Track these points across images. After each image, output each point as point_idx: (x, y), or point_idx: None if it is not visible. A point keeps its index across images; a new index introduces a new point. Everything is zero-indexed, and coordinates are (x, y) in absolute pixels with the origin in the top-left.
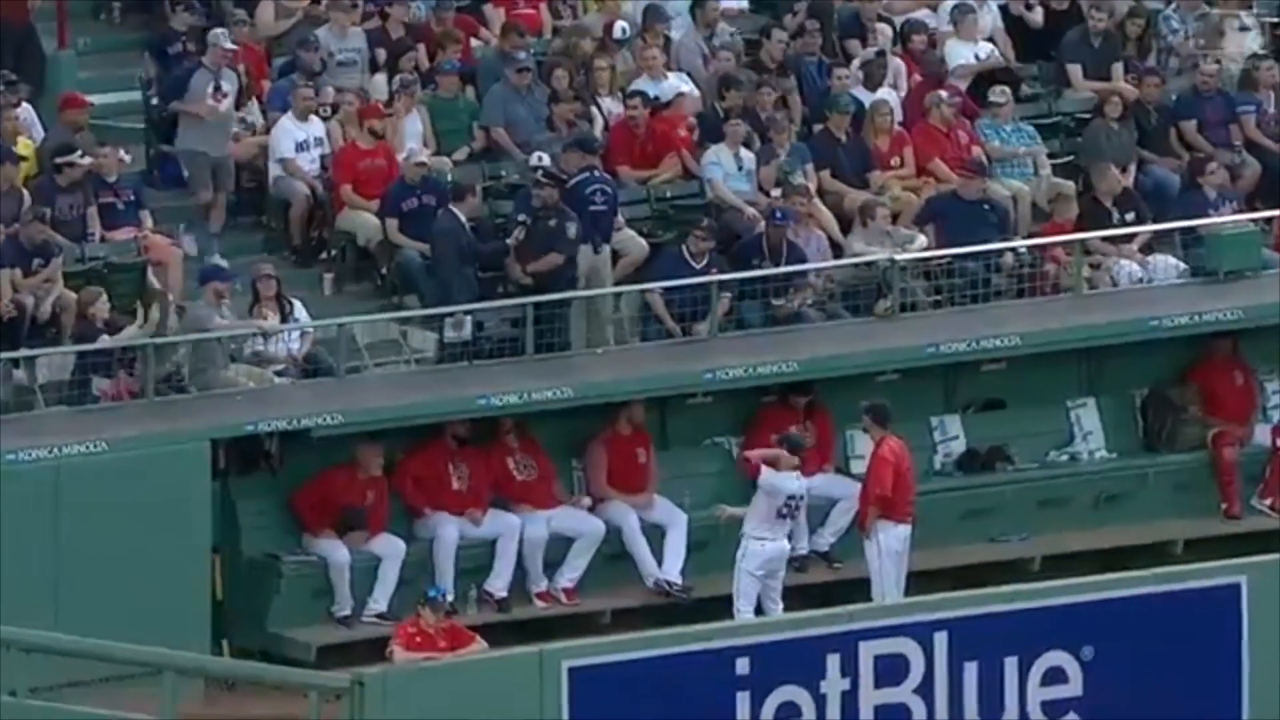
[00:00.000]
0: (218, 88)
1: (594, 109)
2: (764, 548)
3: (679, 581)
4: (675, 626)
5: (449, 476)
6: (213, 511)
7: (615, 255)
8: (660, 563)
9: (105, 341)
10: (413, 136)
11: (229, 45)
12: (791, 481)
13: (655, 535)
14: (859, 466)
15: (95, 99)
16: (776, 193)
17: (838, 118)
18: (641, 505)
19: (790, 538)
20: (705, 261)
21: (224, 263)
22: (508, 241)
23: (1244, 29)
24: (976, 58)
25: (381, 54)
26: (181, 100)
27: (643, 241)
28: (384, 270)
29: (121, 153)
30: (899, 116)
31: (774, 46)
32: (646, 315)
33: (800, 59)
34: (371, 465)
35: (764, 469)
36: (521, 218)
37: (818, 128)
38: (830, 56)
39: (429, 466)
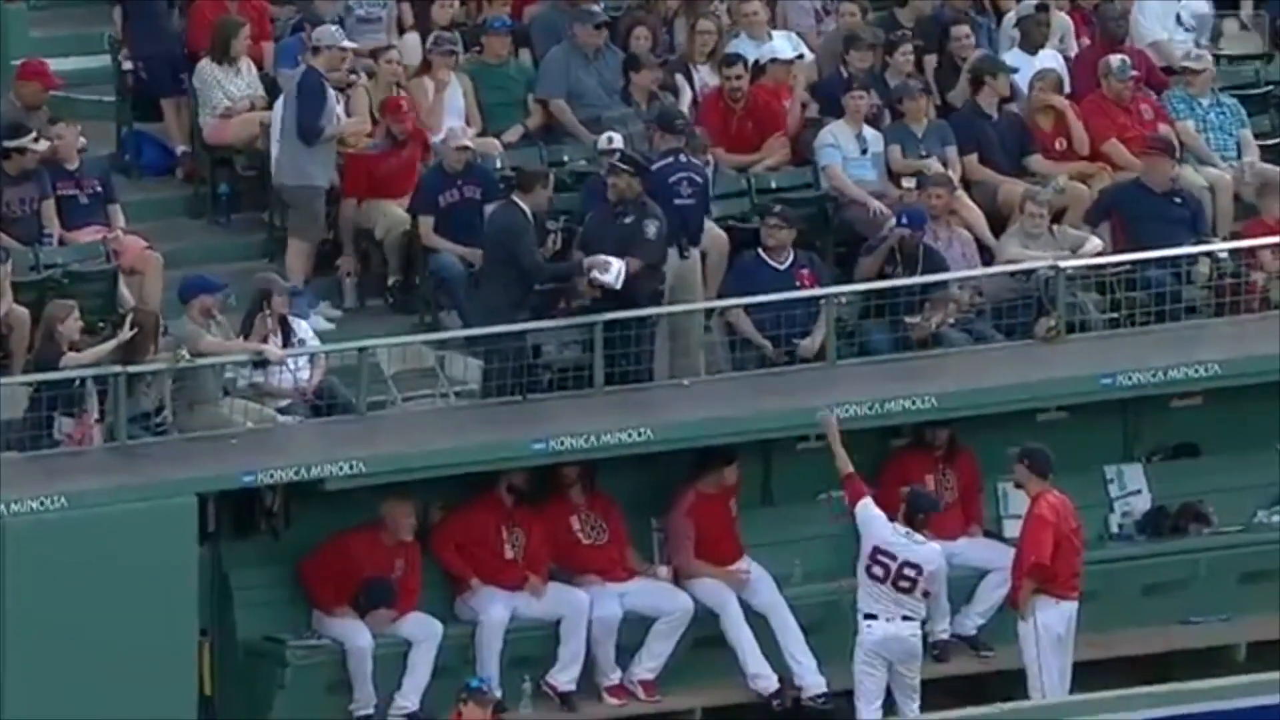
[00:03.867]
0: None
1: (680, 78)
2: (871, 629)
3: (823, 688)
4: None
5: (500, 541)
6: (201, 584)
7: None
8: (791, 666)
9: (65, 369)
10: (453, 113)
11: (347, 43)
12: (888, 531)
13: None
14: (1012, 528)
15: (53, 64)
16: (910, 182)
17: (991, 86)
18: (737, 583)
19: (918, 619)
20: (789, 258)
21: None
22: (543, 250)
23: (1244, 29)
24: (1179, 21)
25: (409, 10)
26: (319, 121)
27: (721, 234)
28: (415, 280)
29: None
30: (1065, 87)
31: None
32: (740, 336)
33: (941, 13)
34: (400, 527)
35: (865, 500)
36: (552, 225)
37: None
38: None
39: (475, 528)
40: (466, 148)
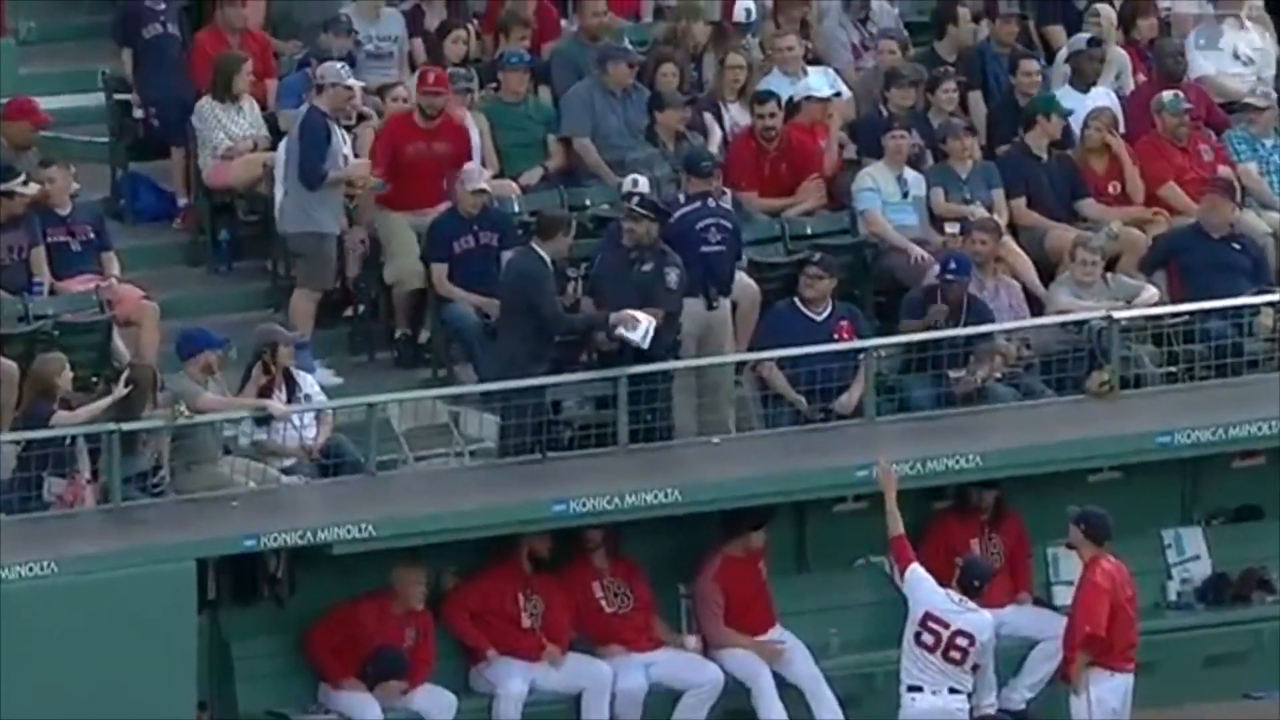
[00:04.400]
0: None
1: (709, 117)
2: (916, 702)
3: None
4: None
5: (517, 609)
6: (200, 654)
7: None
8: None
9: (56, 427)
10: None
11: (352, 81)
12: (939, 597)
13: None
14: (1063, 595)
15: (43, 103)
16: (954, 228)
17: (1043, 126)
18: (770, 654)
19: (965, 692)
20: (827, 310)
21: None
22: (563, 299)
23: (1243, 29)
24: (1235, 56)
25: (421, 46)
26: (322, 164)
27: (752, 283)
28: (420, 336)
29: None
30: (1120, 127)
31: (961, 32)
32: (774, 392)
33: (987, 47)
34: (412, 594)
35: (914, 565)
36: (573, 272)
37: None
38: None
39: (492, 596)
40: (483, 191)
